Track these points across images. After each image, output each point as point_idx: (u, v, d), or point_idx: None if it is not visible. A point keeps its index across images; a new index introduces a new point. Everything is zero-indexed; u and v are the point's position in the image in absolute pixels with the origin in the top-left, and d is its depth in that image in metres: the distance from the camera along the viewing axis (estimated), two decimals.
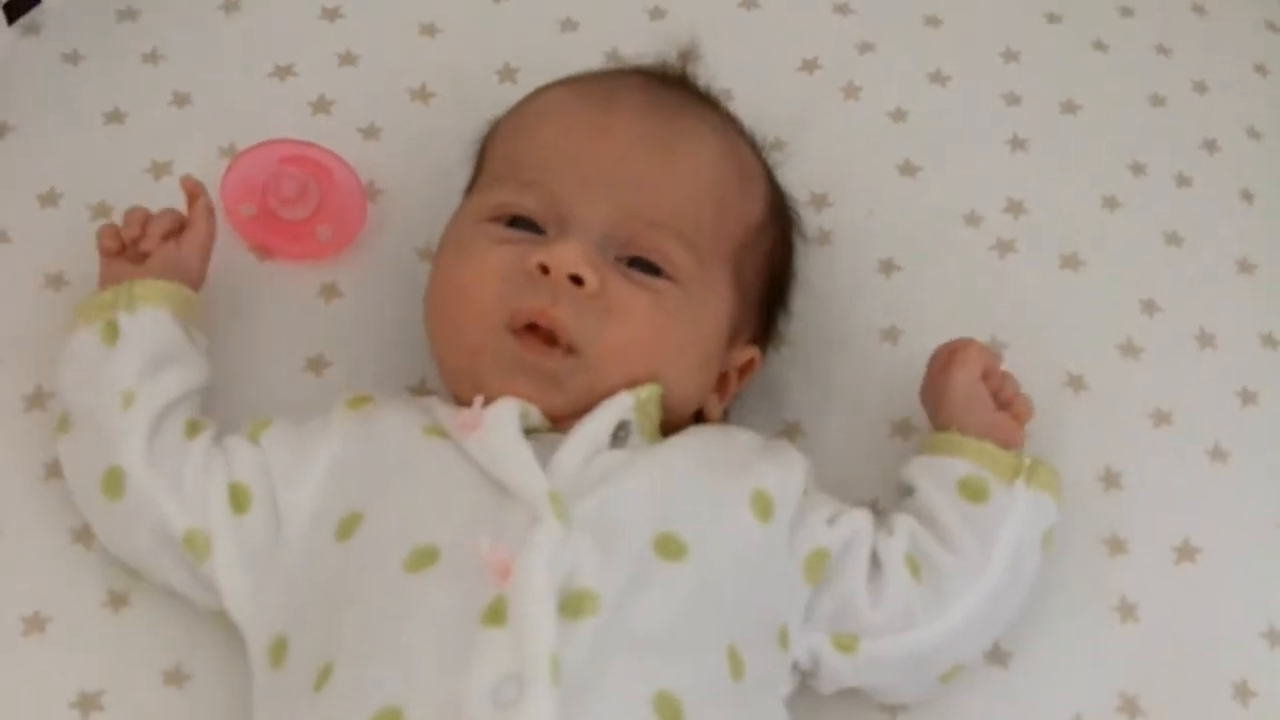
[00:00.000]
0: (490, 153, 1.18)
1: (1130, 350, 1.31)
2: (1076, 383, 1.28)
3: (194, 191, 1.16)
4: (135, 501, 1.06)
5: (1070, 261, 1.35)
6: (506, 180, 1.13)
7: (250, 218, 1.24)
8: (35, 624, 1.09)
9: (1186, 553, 1.23)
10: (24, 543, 1.12)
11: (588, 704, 0.95)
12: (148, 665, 1.10)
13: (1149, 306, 1.33)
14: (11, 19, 1.31)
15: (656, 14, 1.42)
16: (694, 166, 1.14)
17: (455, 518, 1.02)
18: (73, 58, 1.32)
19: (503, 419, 1.04)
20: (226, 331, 1.21)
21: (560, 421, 1.07)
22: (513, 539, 0.98)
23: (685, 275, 1.10)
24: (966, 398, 1.17)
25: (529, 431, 1.05)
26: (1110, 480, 1.25)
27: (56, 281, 1.21)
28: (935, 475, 1.14)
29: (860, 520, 1.10)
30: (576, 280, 1.06)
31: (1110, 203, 1.38)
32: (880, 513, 1.14)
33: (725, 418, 1.20)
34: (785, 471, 1.09)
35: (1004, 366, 1.20)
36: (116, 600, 1.10)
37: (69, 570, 1.11)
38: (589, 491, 1.02)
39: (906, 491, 1.15)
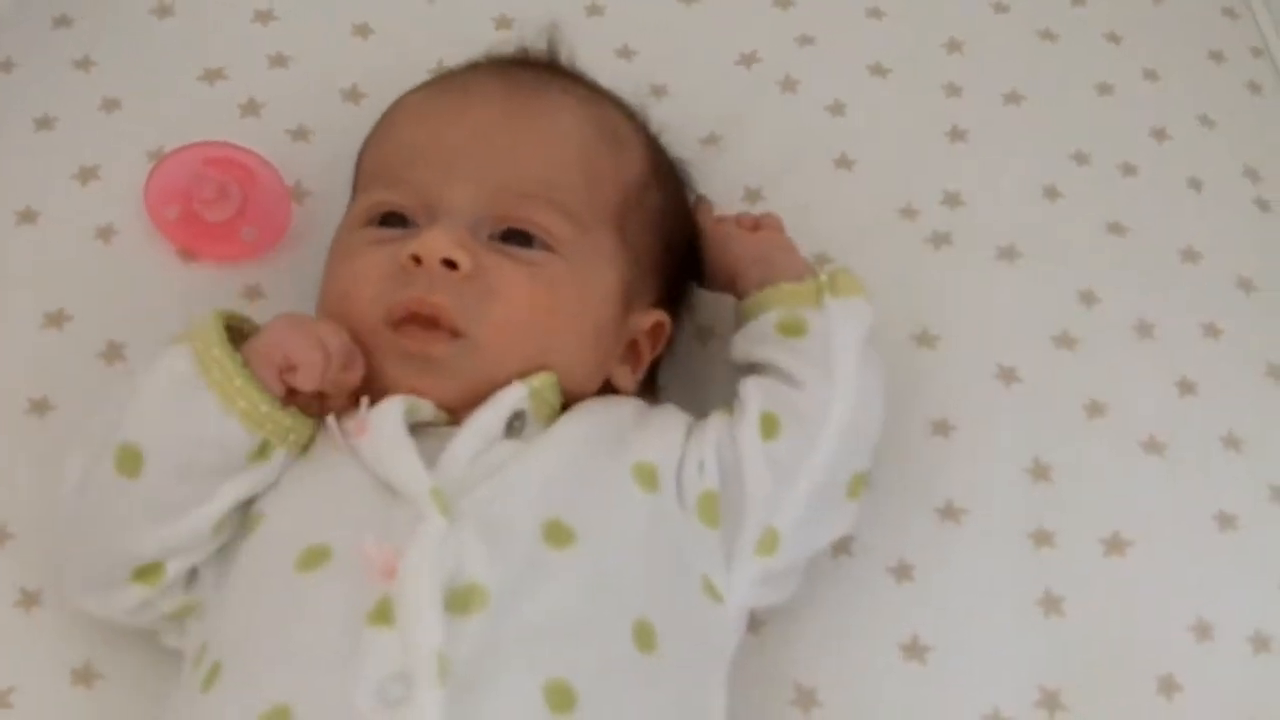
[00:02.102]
0: (361, 166, 1.19)
1: (1065, 341, 1.29)
2: (1008, 375, 1.27)
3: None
4: (162, 591, 1.05)
5: (1007, 253, 1.33)
6: (376, 183, 1.14)
7: (174, 220, 1.25)
8: None
9: (1116, 546, 1.21)
10: None
11: (478, 700, 0.94)
12: (58, 664, 1.10)
13: (1087, 297, 1.32)
14: None
15: (594, 10, 1.42)
16: (556, 134, 1.13)
17: (348, 519, 1.02)
18: (6, 65, 1.33)
19: (386, 419, 1.04)
20: (150, 332, 1.19)
21: (457, 414, 1.07)
22: (399, 538, 0.98)
23: (563, 243, 1.10)
24: (727, 249, 1.20)
25: (423, 426, 1.05)
26: (1039, 473, 1.23)
27: None
28: (755, 337, 1.15)
29: (712, 432, 1.10)
30: (450, 264, 1.06)
31: (1051, 193, 1.37)
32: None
33: (653, 390, 1.19)
34: (664, 436, 1.09)
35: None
36: (28, 599, 1.11)
37: None
38: (477, 485, 1.02)
39: (745, 370, 1.16)
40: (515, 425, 1.07)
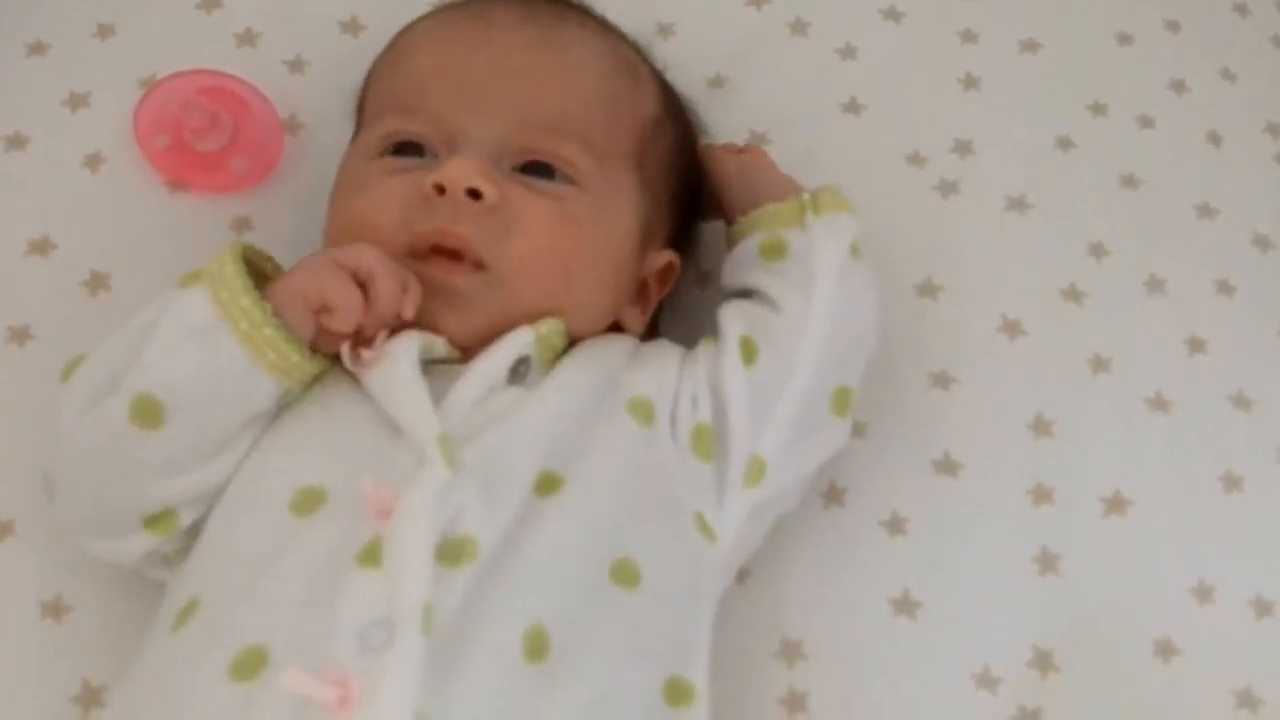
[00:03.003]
0: (369, 95, 1.16)
1: (1073, 295, 1.27)
2: (1013, 327, 1.24)
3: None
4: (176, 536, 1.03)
5: (1016, 204, 1.30)
6: (389, 112, 1.11)
7: (164, 149, 1.22)
8: None
9: (1116, 505, 1.18)
10: None
11: (459, 653, 0.91)
12: (27, 596, 1.08)
13: (1097, 250, 1.29)
14: None
15: None
16: (581, 67, 1.11)
17: (347, 456, 0.99)
18: None
19: (401, 354, 1.01)
20: (135, 262, 1.19)
21: (470, 351, 1.04)
22: (399, 479, 0.95)
23: (586, 177, 1.07)
24: (707, 167, 1.18)
25: (435, 363, 1.02)
26: (1041, 428, 1.21)
27: None
28: (740, 262, 1.14)
29: (701, 363, 1.08)
30: (474, 195, 1.03)
31: (1064, 143, 1.34)
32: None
33: (654, 335, 1.16)
34: (659, 372, 1.07)
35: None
36: (1, 528, 1.09)
37: None
38: (478, 434, 0.99)
39: (733, 294, 1.14)
40: (520, 370, 1.04)
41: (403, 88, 1.12)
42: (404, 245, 1.04)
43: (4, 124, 1.24)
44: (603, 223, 1.08)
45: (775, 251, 1.11)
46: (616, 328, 1.13)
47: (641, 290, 1.14)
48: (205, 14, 1.31)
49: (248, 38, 1.30)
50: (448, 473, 0.95)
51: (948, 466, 1.18)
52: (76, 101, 1.25)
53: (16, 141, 1.23)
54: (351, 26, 1.30)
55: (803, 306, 1.08)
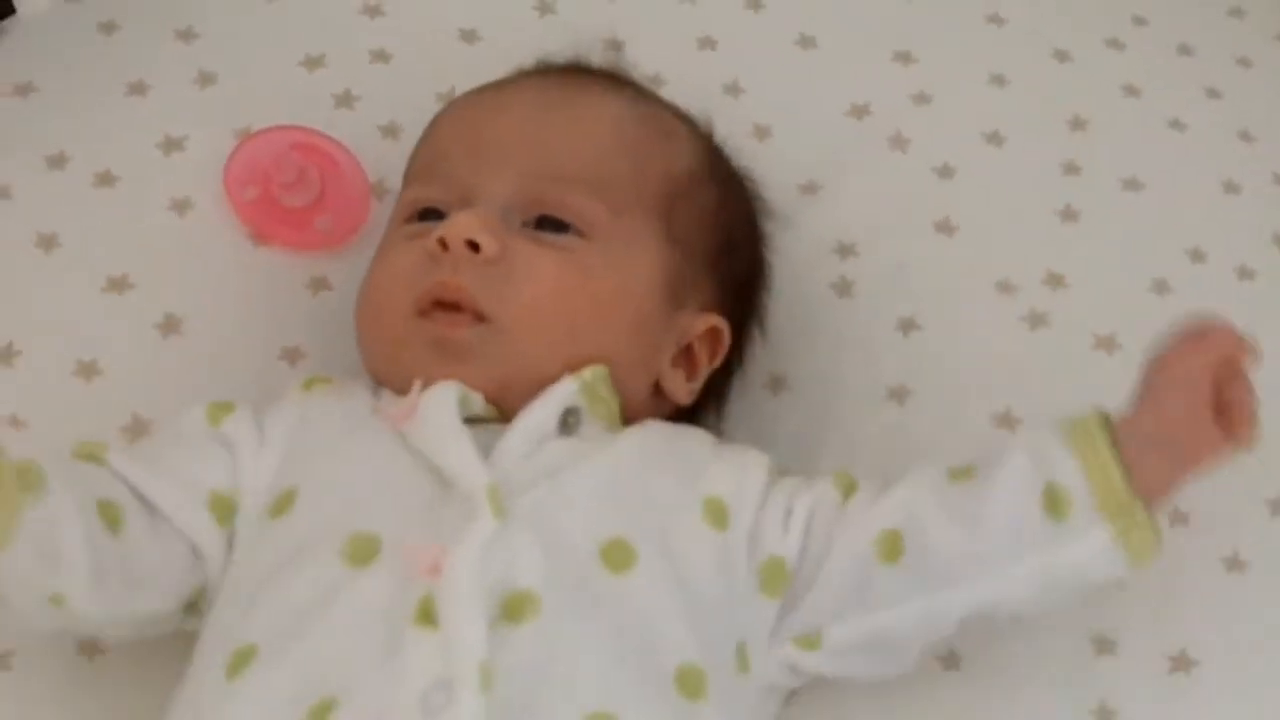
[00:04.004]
0: (406, 171, 1.17)
1: None
2: None
3: None
4: (118, 626, 1.01)
5: (1105, 343, 1.27)
6: (414, 181, 1.12)
7: (251, 201, 1.22)
8: None
9: (1181, 663, 1.14)
10: None
11: (532, 712, 0.90)
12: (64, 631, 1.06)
13: None
14: None
15: (706, 43, 1.38)
16: (593, 121, 1.10)
17: (397, 507, 0.97)
18: (108, 27, 1.31)
19: (439, 403, 1.00)
20: (210, 310, 1.19)
21: (507, 411, 1.02)
22: (448, 534, 0.93)
23: (597, 227, 1.06)
24: (1175, 383, 0.99)
25: (474, 421, 1.01)
26: None
27: (48, 242, 1.20)
28: (1036, 458, 1.00)
29: (812, 496, 1.02)
30: (475, 247, 1.03)
31: (1160, 287, 1.31)
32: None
33: (718, 430, 1.14)
34: (741, 474, 1.03)
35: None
36: None
37: None
38: (532, 485, 0.97)
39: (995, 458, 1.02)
40: (570, 422, 1.02)
41: (426, 157, 1.13)
42: (412, 304, 1.04)
43: (96, 161, 1.24)
44: (614, 272, 1.06)
45: (1051, 506, 0.98)
46: (664, 396, 1.09)
47: (688, 355, 1.11)
48: (306, 71, 1.31)
49: (346, 99, 1.30)
50: (496, 524, 0.94)
51: None
52: (170, 145, 1.25)
53: (106, 179, 1.23)
54: (447, 97, 1.29)
55: (982, 565, 0.99)
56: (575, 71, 1.18)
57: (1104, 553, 0.99)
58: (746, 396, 1.19)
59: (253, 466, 1.03)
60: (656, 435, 1.05)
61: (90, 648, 1.06)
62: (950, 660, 1.12)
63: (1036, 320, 1.28)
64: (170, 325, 1.18)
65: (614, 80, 1.18)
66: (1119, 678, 1.13)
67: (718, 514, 1.01)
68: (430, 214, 1.08)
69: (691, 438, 1.07)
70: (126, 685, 1.06)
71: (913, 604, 1.00)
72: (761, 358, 1.21)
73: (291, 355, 1.19)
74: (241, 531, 1.02)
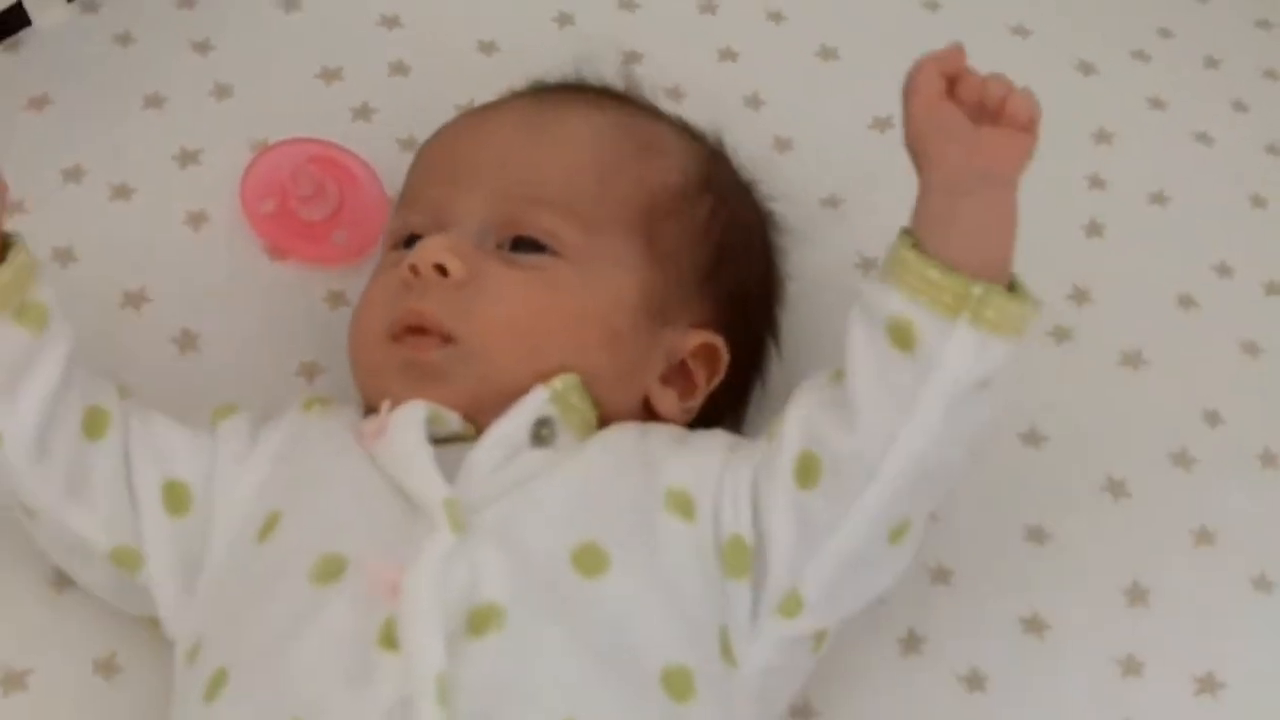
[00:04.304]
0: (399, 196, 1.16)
1: (1182, 460, 1.22)
2: (1117, 488, 1.20)
3: None
4: (49, 525, 1.01)
5: (1131, 359, 1.26)
6: (398, 207, 1.13)
7: (268, 214, 1.21)
8: None
9: (1208, 685, 1.13)
10: None
11: None
12: (81, 651, 1.06)
13: (1212, 417, 1.24)
14: None
15: (726, 55, 1.37)
16: (568, 140, 1.09)
17: (365, 528, 0.97)
18: (124, 39, 1.30)
19: (405, 423, 0.99)
20: (226, 325, 1.18)
21: (483, 425, 1.01)
22: (409, 551, 0.93)
23: (570, 247, 1.05)
24: (931, 133, 0.97)
25: (450, 440, 1.00)
26: (1136, 596, 1.15)
27: (64, 256, 1.19)
28: (866, 314, 0.97)
29: (748, 464, 1.00)
30: (443, 271, 1.03)
31: (1186, 302, 1.30)
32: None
33: (735, 426, 1.13)
34: (700, 458, 1.01)
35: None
36: (61, 579, 1.07)
37: (18, 544, 1.07)
38: (500, 497, 0.96)
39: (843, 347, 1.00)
40: (544, 434, 1.01)
41: (411, 183, 1.13)
42: (386, 330, 1.04)
43: (112, 173, 1.23)
44: (584, 289, 1.04)
45: (901, 339, 0.95)
46: (654, 412, 1.08)
47: (682, 373, 1.09)
48: (324, 84, 1.30)
49: (363, 112, 1.29)
50: (454, 539, 0.93)
51: (1035, 626, 1.13)
52: (186, 158, 1.24)
53: (122, 192, 1.22)
54: (466, 110, 1.27)
55: (886, 434, 0.95)
56: (567, 90, 1.17)
57: (973, 346, 0.94)
58: (767, 410, 1.17)
59: (231, 472, 1.03)
60: (625, 436, 1.03)
61: (107, 666, 1.05)
62: (975, 680, 1.11)
63: (1061, 335, 1.26)
64: (188, 341, 1.17)
65: (607, 96, 1.16)
66: (1145, 699, 1.12)
67: (683, 505, 0.99)
68: (414, 240, 1.08)
69: (658, 433, 1.05)
70: (144, 706, 1.04)
71: (854, 513, 0.96)
72: (780, 371, 1.19)
73: (309, 370, 1.18)
74: (221, 544, 1.01)
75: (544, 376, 1.02)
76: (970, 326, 0.94)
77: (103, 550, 1.01)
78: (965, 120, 0.97)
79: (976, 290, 0.94)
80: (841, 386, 0.98)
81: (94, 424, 1.01)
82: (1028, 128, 0.97)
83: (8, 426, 0.98)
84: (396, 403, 1.01)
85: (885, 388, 0.96)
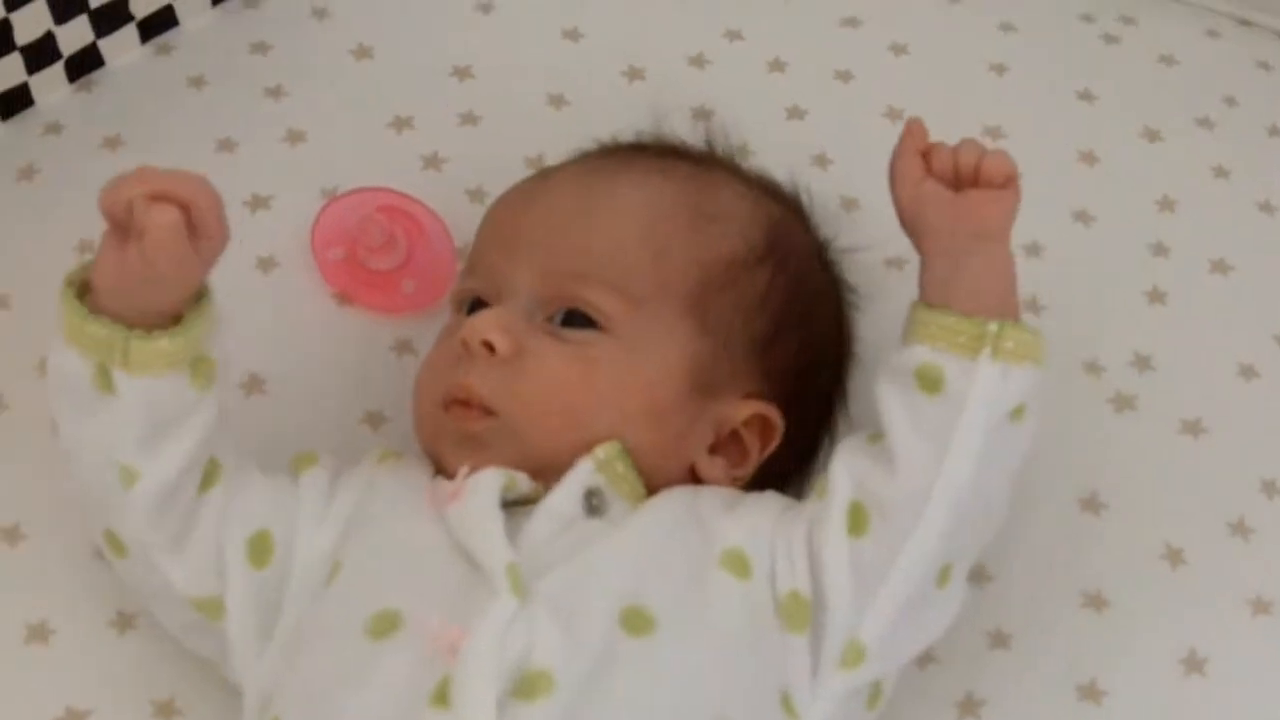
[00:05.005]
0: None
1: (1240, 530, 1.21)
2: (1175, 556, 1.19)
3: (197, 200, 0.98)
4: (140, 566, 1.03)
5: (1192, 427, 1.26)
6: (466, 270, 1.15)
7: (337, 261, 1.22)
8: (39, 634, 1.08)
9: None
10: (44, 549, 1.11)
11: None
12: (141, 693, 1.07)
13: (1270, 488, 1.24)
14: (146, 38, 1.32)
15: (795, 113, 1.37)
16: (620, 210, 1.10)
17: (424, 587, 0.98)
18: (198, 82, 1.32)
19: (483, 489, 1.01)
20: (293, 371, 1.19)
21: (550, 485, 1.03)
22: (470, 615, 0.94)
23: (616, 321, 1.06)
24: (920, 210, 1.06)
25: (519, 503, 1.02)
26: (1193, 665, 1.15)
27: None
28: (893, 372, 1.03)
29: (803, 521, 1.02)
30: (490, 348, 1.05)
31: (1247, 372, 1.29)
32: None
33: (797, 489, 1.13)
34: (756, 519, 1.03)
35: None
36: (124, 621, 1.09)
37: (83, 584, 1.09)
38: (554, 566, 0.98)
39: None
40: (595, 504, 1.03)
41: (476, 247, 1.16)
42: (439, 399, 1.07)
43: None
44: (628, 365, 1.06)
45: (929, 383, 1.01)
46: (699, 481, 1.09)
47: (733, 440, 1.10)
48: (395, 133, 1.31)
49: (434, 161, 1.30)
50: (515, 603, 0.94)
51: (1092, 694, 1.13)
52: (257, 203, 1.26)
53: None
54: (537, 163, 1.29)
55: (927, 474, 1.00)
56: (630, 151, 1.18)
57: (998, 377, 1.00)
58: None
59: (312, 530, 1.05)
60: (677, 500, 1.05)
61: (166, 709, 1.06)
62: None
63: (1123, 403, 1.26)
64: (254, 385, 1.18)
65: (672, 156, 1.17)
66: None
67: (738, 564, 1.01)
68: (477, 304, 1.10)
69: (710, 495, 1.06)
70: None
71: (904, 554, 1.00)
72: (848, 431, 1.19)
73: (374, 420, 1.19)
74: (293, 594, 1.03)
75: (587, 447, 1.04)
76: (991, 360, 1.00)
77: (187, 597, 1.02)
78: (946, 190, 1.06)
79: (992, 327, 1.01)
80: (880, 444, 1.03)
81: (209, 477, 1.03)
82: (1006, 185, 1.06)
83: (148, 470, 0.99)
84: (449, 466, 1.04)
85: (921, 432, 1.01)
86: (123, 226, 0.97)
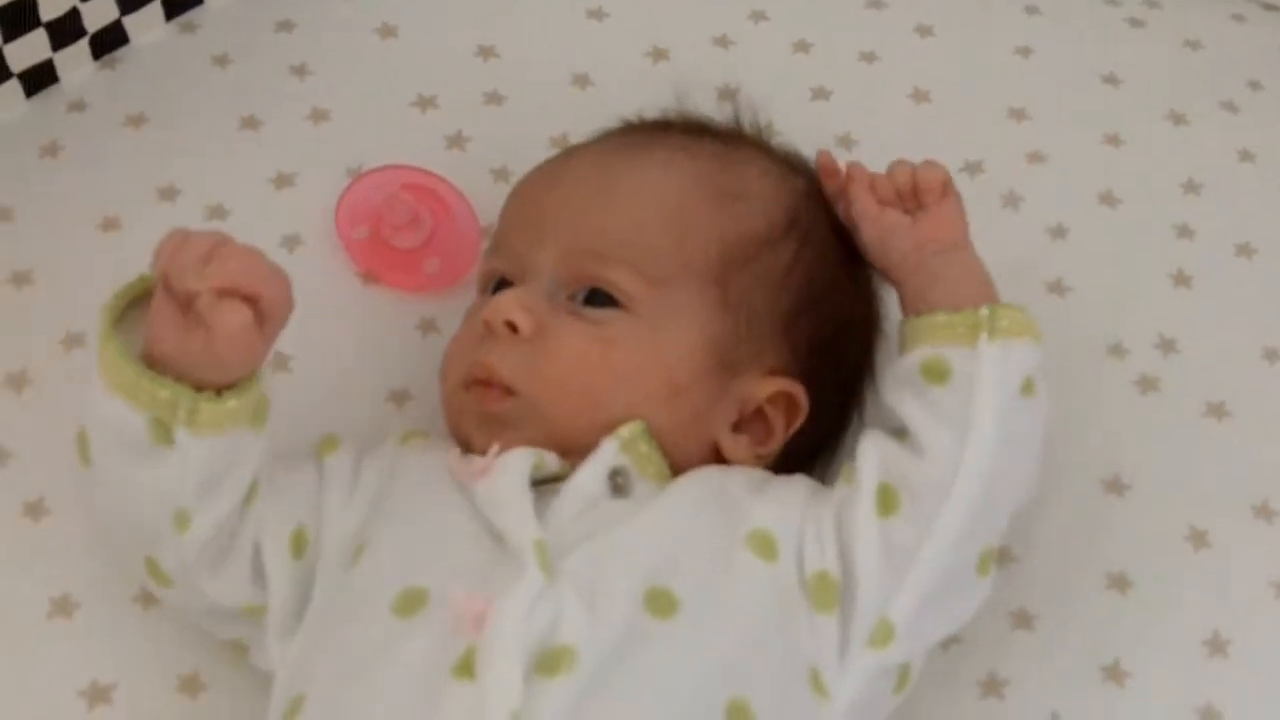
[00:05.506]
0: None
1: (1265, 513, 1.21)
2: (1199, 538, 1.19)
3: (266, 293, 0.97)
4: (185, 591, 1.03)
5: (1216, 410, 1.25)
6: (490, 250, 1.15)
7: (361, 240, 1.22)
8: (63, 608, 1.08)
9: None
10: (68, 525, 1.11)
11: None
12: (166, 667, 1.08)
13: None
14: (170, 15, 1.32)
15: (819, 94, 1.37)
16: (640, 190, 1.10)
17: (450, 563, 0.99)
18: (222, 60, 1.32)
19: (512, 467, 1.01)
20: (318, 349, 1.19)
21: (577, 463, 1.04)
22: (496, 589, 0.94)
23: (635, 300, 1.07)
24: (887, 245, 1.13)
25: (551, 480, 1.02)
26: (1217, 647, 1.15)
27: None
28: (899, 377, 1.07)
29: (831, 503, 1.03)
30: (513, 327, 1.05)
31: (1272, 355, 1.29)
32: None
33: (822, 468, 1.14)
34: (784, 503, 1.03)
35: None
36: (148, 596, 1.09)
37: (107, 558, 1.09)
38: (579, 544, 0.98)
39: (888, 418, 1.09)
40: (620, 483, 1.03)
41: (500, 226, 1.16)
42: (462, 378, 1.07)
43: (207, 194, 1.24)
44: (648, 343, 1.06)
45: (936, 375, 1.04)
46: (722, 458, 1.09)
47: (757, 419, 1.10)
48: (420, 111, 1.31)
49: (458, 140, 1.30)
50: (542, 579, 0.94)
51: (1116, 674, 1.13)
52: (282, 181, 1.26)
53: (217, 212, 1.24)
54: (561, 143, 1.29)
55: (952, 456, 1.02)
56: (654, 129, 1.18)
57: (1000, 355, 1.03)
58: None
59: (338, 513, 1.05)
60: (703, 480, 1.05)
61: (191, 684, 1.07)
62: None
63: (1147, 385, 1.26)
64: (279, 363, 1.18)
65: (695, 133, 1.17)
66: None
67: (765, 546, 1.01)
68: (503, 284, 1.10)
69: (736, 473, 1.06)
70: None
71: (934, 534, 1.01)
72: (875, 406, 1.18)
73: (399, 398, 1.19)
74: (321, 576, 1.04)
75: (609, 427, 1.04)
76: (990, 341, 1.04)
77: (236, 608, 1.03)
78: (905, 217, 1.13)
79: (983, 312, 1.05)
80: (905, 439, 1.05)
81: (249, 495, 1.02)
82: (945, 192, 1.14)
83: (203, 510, 0.99)
84: (474, 445, 1.05)
85: (938, 421, 1.04)
86: (182, 300, 0.96)
